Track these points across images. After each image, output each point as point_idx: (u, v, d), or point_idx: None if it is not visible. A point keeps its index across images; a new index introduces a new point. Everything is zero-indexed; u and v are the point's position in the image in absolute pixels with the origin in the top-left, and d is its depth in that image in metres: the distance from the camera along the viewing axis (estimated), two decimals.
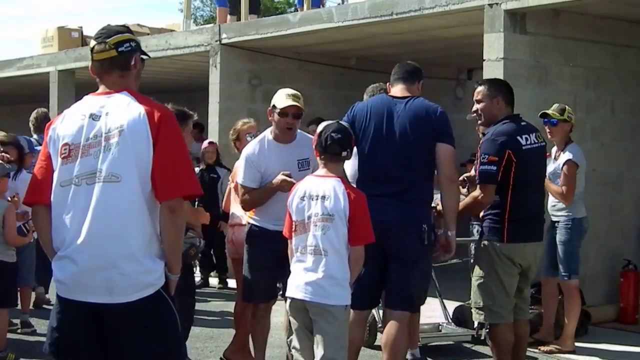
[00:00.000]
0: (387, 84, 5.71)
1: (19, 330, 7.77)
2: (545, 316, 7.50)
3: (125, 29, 3.84)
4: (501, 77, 7.97)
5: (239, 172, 5.95)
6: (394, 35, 10.49)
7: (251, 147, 5.85)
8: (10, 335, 7.28)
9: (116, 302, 3.54)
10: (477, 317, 5.89)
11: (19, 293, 7.49)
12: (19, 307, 7.73)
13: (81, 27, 15.60)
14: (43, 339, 7.28)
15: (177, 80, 15.90)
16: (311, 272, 4.73)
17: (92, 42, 3.79)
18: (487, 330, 5.88)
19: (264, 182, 5.74)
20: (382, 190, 5.27)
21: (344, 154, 4.83)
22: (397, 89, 5.54)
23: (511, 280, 5.74)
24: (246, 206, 5.94)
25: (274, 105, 5.74)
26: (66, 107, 3.96)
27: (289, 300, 4.91)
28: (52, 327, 3.70)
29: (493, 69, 8.08)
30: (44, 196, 3.68)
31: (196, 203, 8.47)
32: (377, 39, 10.78)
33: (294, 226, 4.84)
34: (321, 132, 4.87)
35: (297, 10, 13.80)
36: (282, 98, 5.72)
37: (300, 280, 4.78)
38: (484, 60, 8.21)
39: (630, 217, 9.30)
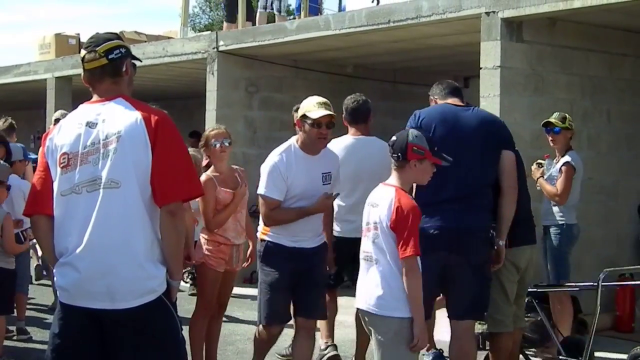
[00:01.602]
0: (432, 98, 5.70)
1: (14, 337, 7.76)
2: (561, 328, 7.43)
3: (114, 35, 3.85)
4: (498, 85, 8.01)
5: (261, 183, 5.54)
6: (391, 43, 10.51)
7: (276, 156, 5.55)
8: (6, 343, 7.27)
9: (118, 308, 3.55)
10: (478, 327, 5.90)
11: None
12: (15, 314, 7.72)
13: (78, 34, 15.64)
14: (39, 345, 7.34)
15: (174, 88, 15.91)
16: (365, 280, 4.65)
17: (83, 52, 3.81)
18: (487, 337, 5.89)
19: (288, 195, 5.50)
20: (451, 196, 5.26)
21: (395, 157, 4.64)
22: (453, 100, 5.58)
23: (513, 288, 5.78)
24: (271, 222, 5.58)
25: (305, 115, 5.50)
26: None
27: (357, 309, 4.85)
28: (54, 333, 3.70)
29: (490, 77, 8.10)
30: (45, 207, 3.69)
31: None
32: (374, 46, 10.80)
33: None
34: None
35: (295, 17, 13.83)
36: (314, 107, 5.49)
37: (359, 288, 4.73)
38: (481, 68, 8.23)
39: (626, 226, 9.31)
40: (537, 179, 7.32)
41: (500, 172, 5.39)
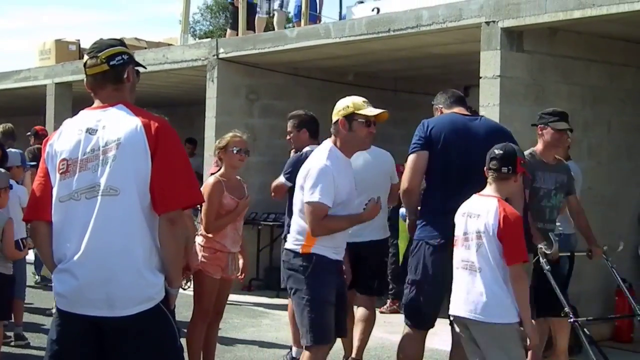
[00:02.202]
0: (437, 107, 5.68)
1: (12, 343, 7.74)
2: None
3: (118, 42, 3.84)
4: (497, 94, 8.01)
5: (311, 189, 5.10)
6: (391, 52, 10.52)
7: (325, 160, 5.13)
8: (3, 349, 7.25)
9: (116, 316, 3.54)
10: None
11: None
12: (12, 319, 7.70)
13: (79, 40, 15.65)
14: (36, 352, 7.31)
15: (175, 95, 15.92)
16: (468, 289, 4.81)
17: (85, 57, 3.81)
18: None
19: (334, 202, 5.15)
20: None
21: (505, 170, 4.84)
22: (459, 110, 5.56)
23: None
24: (322, 232, 5.13)
25: (354, 114, 5.17)
26: (63, 120, 3.96)
27: (452, 317, 4.98)
28: (52, 339, 3.68)
29: (490, 87, 8.10)
30: (44, 212, 3.67)
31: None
32: (374, 55, 10.81)
33: (454, 241, 4.96)
34: (489, 152, 4.96)
35: (294, 24, 13.85)
36: (364, 105, 5.22)
37: (460, 296, 4.87)
38: (481, 77, 8.23)
39: (626, 236, 9.29)
40: None
41: None
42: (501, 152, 4.87)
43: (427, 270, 5.28)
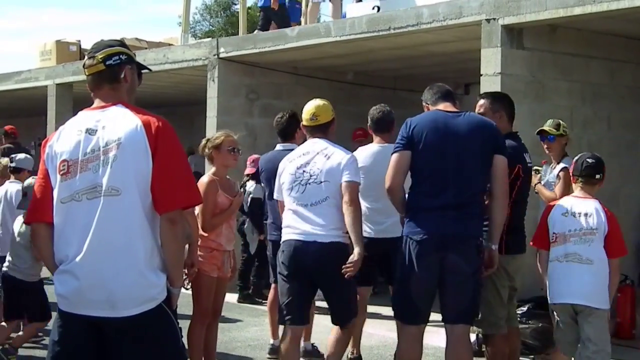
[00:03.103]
0: (424, 104, 5.71)
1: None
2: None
3: (117, 42, 3.84)
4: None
5: (358, 172, 5.79)
6: (392, 50, 10.52)
7: (348, 152, 5.88)
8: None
9: (118, 316, 3.54)
10: (473, 329, 5.92)
11: None
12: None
13: (79, 41, 15.66)
14: (39, 352, 7.30)
15: (175, 94, 15.93)
16: (579, 280, 5.51)
17: (85, 57, 3.82)
18: (482, 341, 5.90)
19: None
20: (441, 203, 5.27)
21: (597, 176, 5.66)
22: (444, 106, 5.54)
23: (505, 291, 5.82)
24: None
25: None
26: (64, 120, 3.97)
27: (555, 304, 5.67)
28: (54, 340, 3.68)
29: (490, 84, 8.10)
30: (45, 214, 3.67)
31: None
32: (374, 53, 10.81)
33: (554, 237, 5.64)
34: (577, 159, 5.76)
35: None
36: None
37: (570, 286, 5.53)
38: (481, 75, 8.23)
39: (627, 233, 9.28)
40: (535, 185, 7.33)
41: (492, 177, 5.37)
42: (594, 161, 5.66)
43: (412, 265, 5.31)
